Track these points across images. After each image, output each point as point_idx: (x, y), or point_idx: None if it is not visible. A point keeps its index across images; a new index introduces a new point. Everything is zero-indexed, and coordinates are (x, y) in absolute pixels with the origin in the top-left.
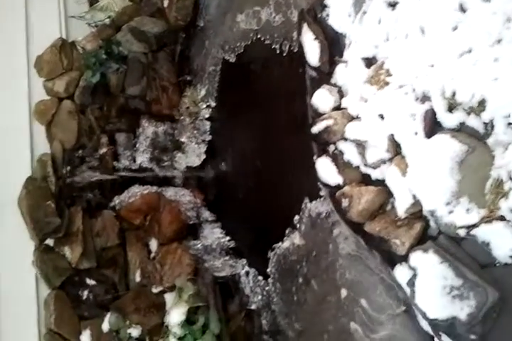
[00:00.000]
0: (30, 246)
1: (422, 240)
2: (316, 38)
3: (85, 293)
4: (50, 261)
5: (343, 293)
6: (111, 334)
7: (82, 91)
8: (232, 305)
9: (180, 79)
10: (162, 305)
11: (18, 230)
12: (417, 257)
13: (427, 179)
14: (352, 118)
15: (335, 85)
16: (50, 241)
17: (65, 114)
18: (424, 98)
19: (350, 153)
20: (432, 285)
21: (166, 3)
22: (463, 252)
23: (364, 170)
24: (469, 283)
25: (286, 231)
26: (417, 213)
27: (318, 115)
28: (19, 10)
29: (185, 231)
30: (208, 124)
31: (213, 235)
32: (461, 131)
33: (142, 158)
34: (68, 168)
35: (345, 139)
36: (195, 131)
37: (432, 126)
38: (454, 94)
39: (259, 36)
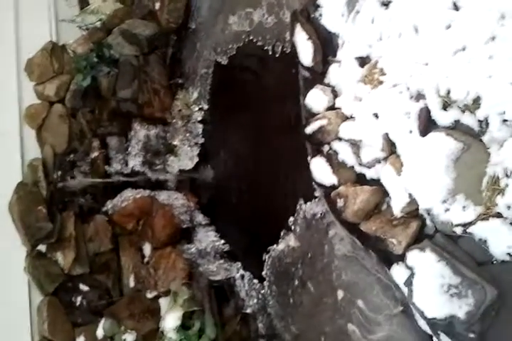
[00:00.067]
0: (22, 252)
1: (419, 239)
2: (309, 38)
3: (79, 299)
4: (42, 267)
5: (340, 294)
6: None
7: (73, 94)
8: (227, 309)
9: (172, 81)
10: (157, 310)
11: (10, 236)
12: (413, 256)
13: (422, 177)
14: (346, 118)
15: (328, 85)
16: (42, 247)
17: (56, 117)
18: (419, 96)
19: (344, 153)
20: (430, 284)
21: (157, 6)
22: (460, 250)
23: (359, 169)
24: (467, 281)
25: (281, 233)
26: (413, 212)
27: (311, 115)
28: (9, 13)
29: (178, 235)
30: (200, 127)
31: (207, 239)
32: (456, 128)
33: (134, 162)
34: (59, 172)
35: (340, 139)
36: (187, 134)
37: (427, 125)
38: (448, 92)
39: (251, 38)
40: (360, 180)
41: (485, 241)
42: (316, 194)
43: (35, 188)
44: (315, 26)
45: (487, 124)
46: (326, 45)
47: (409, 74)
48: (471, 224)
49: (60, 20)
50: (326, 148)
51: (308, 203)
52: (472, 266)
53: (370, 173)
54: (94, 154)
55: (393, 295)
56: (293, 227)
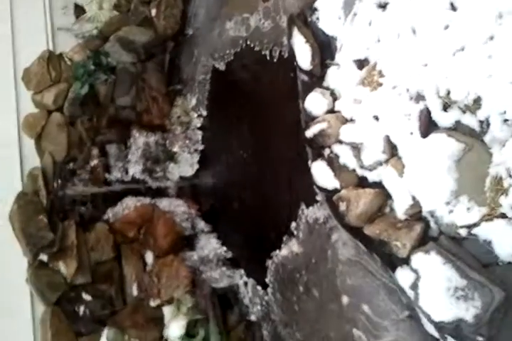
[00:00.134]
0: (23, 262)
1: (423, 241)
2: (306, 42)
3: (81, 308)
4: (44, 277)
5: (345, 299)
6: None
7: (71, 103)
8: (231, 317)
9: (170, 88)
10: (160, 318)
11: (11, 246)
12: (418, 259)
13: (425, 179)
14: (346, 121)
15: (327, 88)
16: (43, 257)
17: (55, 126)
18: (419, 97)
19: (345, 156)
20: (436, 287)
21: (153, 12)
22: (465, 252)
23: (360, 172)
24: (474, 283)
25: (284, 239)
26: (416, 214)
27: (311, 119)
28: (5, 22)
29: (180, 242)
30: (199, 133)
31: (210, 246)
32: (457, 129)
33: (134, 170)
34: (59, 181)
35: (340, 142)
36: (187, 141)
37: (428, 126)
38: (448, 93)
39: (248, 43)
40: (362, 183)
41: (490, 242)
42: (318, 198)
43: (36, 197)
44: (312, 30)
45: (488, 124)
46: (324, 49)
47: (409, 76)
48: (475, 225)
49: (57, 29)
50: (326, 151)
51: (310, 208)
52: (478, 268)
53: (371, 176)
54: (94, 162)
55: (399, 299)
56: (295, 233)
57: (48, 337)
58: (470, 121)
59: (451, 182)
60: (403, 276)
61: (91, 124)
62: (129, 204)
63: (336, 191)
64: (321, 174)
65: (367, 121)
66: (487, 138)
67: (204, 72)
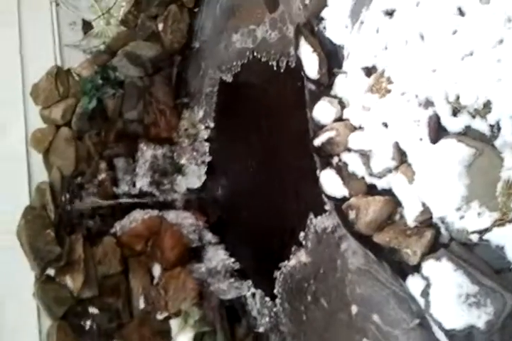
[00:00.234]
0: (30, 277)
1: (434, 248)
2: (314, 51)
3: (88, 322)
4: (51, 291)
5: (354, 309)
6: None
7: (79, 117)
8: (239, 329)
9: (177, 101)
10: (167, 331)
11: (18, 261)
12: (429, 266)
13: (435, 185)
14: (355, 129)
15: (335, 97)
16: (51, 272)
17: (62, 141)
18: (428, 103)
19: (354, 164)
20: (447, 294)
21: (160, 27)
22: (476, 258)
23: (369, 180)
24: (485, 289)
25: (292, 249)
26: (426, 221)
27: (319, 128)
28: (13, 38)
29: (188, 255)
30: (207, 145)
31: (217, 257)
32: (467, 134)
33: (142, 183)
34: (67, 195)
35: (349, 150)
36: (194, 153)
37: (437, 131)
38: (457, 98)
39: (255, 54)
40: (372, 190)
41: (502, 247)
42: (327, 207)
43: (43, 212)
44: (319, 39)
45: (499, 128)
46: (331, 57)
47: (417, 82)
48: (487, 230)
49: (65, 45)
50: (335, 159)
51: (319, 217)
52: (490, 274)
53: (381, 183)
54: (102, 176)
55: (409, 307)
56: (304, 242)
57: None
58: (480, 125)
59: (461, 187)
60: (414, 284)
61: (99, 138)
62: (137, 217)
63: (344, 199)
64: (330, 182)
65: (376, 128)
66: (498, 143)
67: (211, 84)
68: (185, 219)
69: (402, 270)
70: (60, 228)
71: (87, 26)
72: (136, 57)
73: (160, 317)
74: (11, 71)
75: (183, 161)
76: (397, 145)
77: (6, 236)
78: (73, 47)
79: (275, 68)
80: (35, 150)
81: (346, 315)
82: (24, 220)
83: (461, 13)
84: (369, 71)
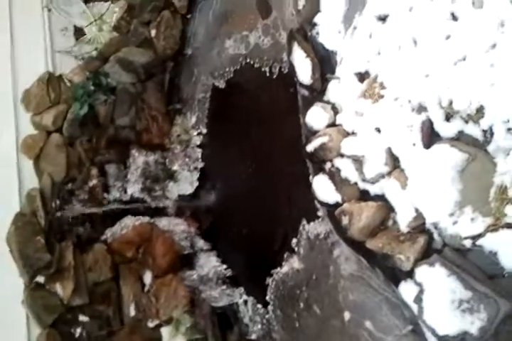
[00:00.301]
0: (19, 284)
1: (427, 254)
2: (307, 56)
3: (78, 330)
4: (40, 299)
5: (347, 315)
6: None
7: (70, 123)
8: (231, 336)
9: (170, 107)
10: (159, 339)
11: (7, 268)
12: (422, 272)
13: (428, 191)
14: (347, 134)
15: (328, 102)
16: (40, 279)
17: (53, 147)
18: (421, 109)
19: (347, 170)
20: (440, 300)
21: (153, 33)
22: (470, 264)
23: (362, 186)
24: (479, 295)
25: (285, 256)
26: (420, 226)
27: (312, 133)
28: (5, 44)
29: (179, 262)
30: (199, 151)
31: (209, 264)
32: (460, 139)
33: (133, 189)
34: (58, 201)
35: (342, 155)
36: (186, 159)
37: (430, 137)
38: (450, 103)
39: (248, 60)
40: (365, 196)
41: (495, 253)
42: (319, 213)
43: (34, 218)
44: (312, 44)
45: (492, 134)
46: (324, 63)
47: (410, 87)
48: (480, 236)
49: (57, 51)
50: (328, 165)
51: (312, 223)
52: (483, 280)
53: (374, 189)
54: (93, 182)
55: (402, 313)
56: (296, 249)
57: None
58: (473, 130)
59: (454, 192)
60: (407, 290)
61: (90, 145)
62: (128, 224)
63: (337, 205)
64: (323, 188)
65: (368, 134)
66: (491, 148)
67: (204, 90)
68: (177, 226)
69: (395, 276)
70: (50, 235)
71: (78, 32)
72: (129, 63)
73: (151, 324)
74: (1, 77)
75: (175, 167)
76: (389, 151)
77: None
78: (65, 53)
79: (268, 74)
80: (25, 157)
81: (339, 322)
82: (14, 227)
83: (454, 17)
84: (362, 76)
